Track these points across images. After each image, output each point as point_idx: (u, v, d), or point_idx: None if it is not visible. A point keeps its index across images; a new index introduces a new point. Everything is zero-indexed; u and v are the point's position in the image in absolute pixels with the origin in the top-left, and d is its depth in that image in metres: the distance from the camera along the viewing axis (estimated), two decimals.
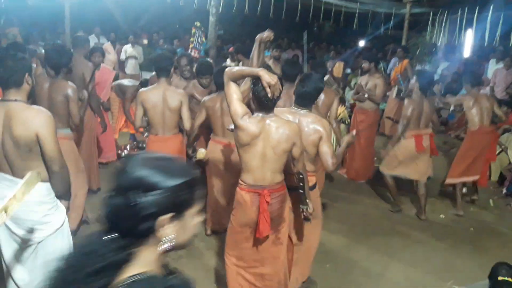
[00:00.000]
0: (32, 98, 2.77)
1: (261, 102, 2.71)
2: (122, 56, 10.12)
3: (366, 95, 5.91)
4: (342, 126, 5.99)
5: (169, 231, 1.10)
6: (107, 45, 9.66)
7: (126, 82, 6.31)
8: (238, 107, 2.70)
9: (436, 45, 9.99)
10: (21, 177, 2.39)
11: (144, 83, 6.20)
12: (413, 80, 5.09)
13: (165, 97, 3.97)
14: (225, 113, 3.84)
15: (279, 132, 2.72)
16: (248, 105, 2.82)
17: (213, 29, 8.21)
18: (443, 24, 9.00)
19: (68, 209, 2.83)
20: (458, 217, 5.19)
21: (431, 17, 9.43)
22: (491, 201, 5.73)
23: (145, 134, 6.34)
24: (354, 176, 6.16)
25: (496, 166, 6.32)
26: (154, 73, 5.55)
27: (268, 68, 3.47)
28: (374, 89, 5.97)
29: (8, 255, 2.72)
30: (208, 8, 8.14)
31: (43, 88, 3.78)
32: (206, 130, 4.28)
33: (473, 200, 5.59)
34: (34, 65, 4.27)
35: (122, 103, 6.31)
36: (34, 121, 2.51)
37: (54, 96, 3.77)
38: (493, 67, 9.15)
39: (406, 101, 4.86)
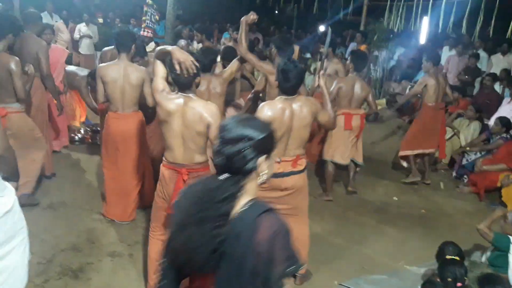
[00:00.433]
0: None
1: (175, 80, 2.77)
2: (76, 35, 9.74)
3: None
4: None
5: (264, 168, 1.52)
6: (60, 24, 9.27)
7: (75, 70, 6.10)
8: (159, 83, 2.79)
9: (393, 31, 10.19)
10: None
11: (93, 73, 6.05)
12: (347, 61, 5.21)
13: (126, 72, 3.92)
14: (211, 94, 3.93)
15: (194, 112, 2.75)
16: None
17: (171, 9, 8.00)
18: (400, 10, 9.17)
19: (17, 188, 2.72)
20: (410, 199, 5.40)
21: (388, 3, 9.58)
22: (441, 184, 5.96)
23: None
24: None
25: (448, 150, 6.58)
26: (106, 48, 5.38)
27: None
28: (335, 75, 6.03)
29: None
30: None
31: None
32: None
33: (427, 184, 5.84)
34: None
35: (75, 92, 6.13)
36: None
37: None
38: (446, 54, 9.43)
39: (337, 79, 4.96)
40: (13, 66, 3.70)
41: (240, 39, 3.82)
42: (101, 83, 3.97)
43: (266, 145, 1.51)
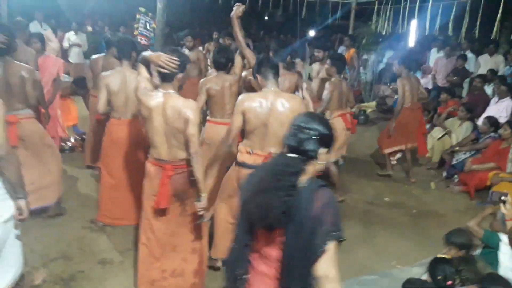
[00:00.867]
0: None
1: (159, 72, 2.89)
2: (65, 44, 9.71)
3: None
4: None
5: (322, 158, 1.87)
6: (48, 32, 9.21)
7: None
8: (141, 81, 2.93)
9: (381, 35, 10.26)
10: None
11: (78, 81, 6.04)
12: (327, 65, 5.38)
13: (129, 80, 3.96)
14: (226, 93, 4.05)
15: (173, 109, 2.82)
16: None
17: (160, 16, 7.99)
18: (388, 14, 9.25)
19: (24, 210, 2.73)
20: (402, 200, 5.43)
21: (376, 6, 9.66)
22: (432, 184, 6.00)
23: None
24: None
25: (438, 149, 6.62)
26: (94, 56, 5.35)
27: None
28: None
29: None
30: None
31: None
32: None
33: (413, 182, 5.98)
34: None
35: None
36: None
37: (9, 79, 3.74)
38: (434, 56, 9.52)
39: (327, 83, 5.05)
40: (25, 74, 3.77)
41: (236, 35, 3.97)
42: (105, 91, 3.97)
43: (327, 141, 1.88)
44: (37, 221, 4.16)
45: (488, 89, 7.73)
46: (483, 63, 8.67)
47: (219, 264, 3.54)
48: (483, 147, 5.90)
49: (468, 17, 7.06)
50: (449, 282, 2.91)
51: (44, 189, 4.08)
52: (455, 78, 8.48)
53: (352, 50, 9.47)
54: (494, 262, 3.28)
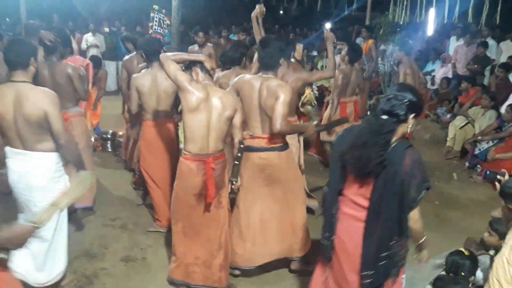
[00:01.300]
0: (36, 81, 3.00)
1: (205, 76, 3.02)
2: (83, 45, 9.83)
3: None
4: (309, 108, 6.01)
5: (411, 122, 2.18)
6: None
7: None
8: (183, 75, 2.94)
9: (399, 24, 10.09)
10: (32, 150, 2.84)
11: None
12: (343, 52, 5.46)
13: (160, 81, 3.94)
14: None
15: (222, 100, 2.95)
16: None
17: (176, 14, 8.03)
18: (405, 3, 9.09)
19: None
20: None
21: None
22: (454, 174, 5.89)
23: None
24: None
25: (460, 139, 6.49)
26: (126, 57, 5.33)
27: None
28: None
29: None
30: None
31: (43, 74, 3.77)
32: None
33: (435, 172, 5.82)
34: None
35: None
36: (42, 100, 2.78)
37: (58, 79, 3.86)
38: (454, 44, 9.32)
39: (336, 71, 5.00)
40: (70, 71, 3.86)
41: (256, 34, 4.18)
42: (136, 93, 3.97)
43: (416, 107, 2.17)
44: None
45: (511, 76, 7.54)
46: (505, 50, 8.46)
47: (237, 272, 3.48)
48: (507, 136, 5.77)
49: (488, 3, 6.90)
50: (463, 275, 2.91)
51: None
52: (475, 66, 8.29)
53: (370, 41, 9.33)
54: None
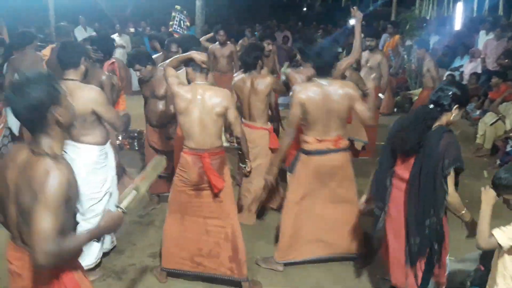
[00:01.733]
0: (86, 79, 3.33)
1: (197, 74, 3.13)
2: None
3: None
4: None
5: (455, 112, 2.61)
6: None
7: None
8: (173, 80, 3.10)
9: (425, 19, 9.90)
10: (77, 141, 3.15)
11: None
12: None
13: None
14: (252, 93, 4.09)
15: (211, 98, 3.05)
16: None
17: (200, 13, 8.10)
18: None
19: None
20: None
21: None
22: (485, 172, 5.73)
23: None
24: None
25: (490, 135, 6.32)
26: (155, 55, 5.34)
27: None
28: (377, 67, 5.99)
29: None
30: None
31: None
32: None
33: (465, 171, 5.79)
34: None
35: None
36: (89, 97, 3.11)
37: (92, 83, 3.95)
38: (483, 39, 9.08)
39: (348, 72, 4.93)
40: (104, 78, 4.01)
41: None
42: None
43: (461, 99, 2.59)
44: None
45: None
46: None
47: (280, 268, 3.54)
48: None
49: None
50: None
51: None
52: (506, 60, 8.04)
53: (397, 37, 9.21)
54: None
